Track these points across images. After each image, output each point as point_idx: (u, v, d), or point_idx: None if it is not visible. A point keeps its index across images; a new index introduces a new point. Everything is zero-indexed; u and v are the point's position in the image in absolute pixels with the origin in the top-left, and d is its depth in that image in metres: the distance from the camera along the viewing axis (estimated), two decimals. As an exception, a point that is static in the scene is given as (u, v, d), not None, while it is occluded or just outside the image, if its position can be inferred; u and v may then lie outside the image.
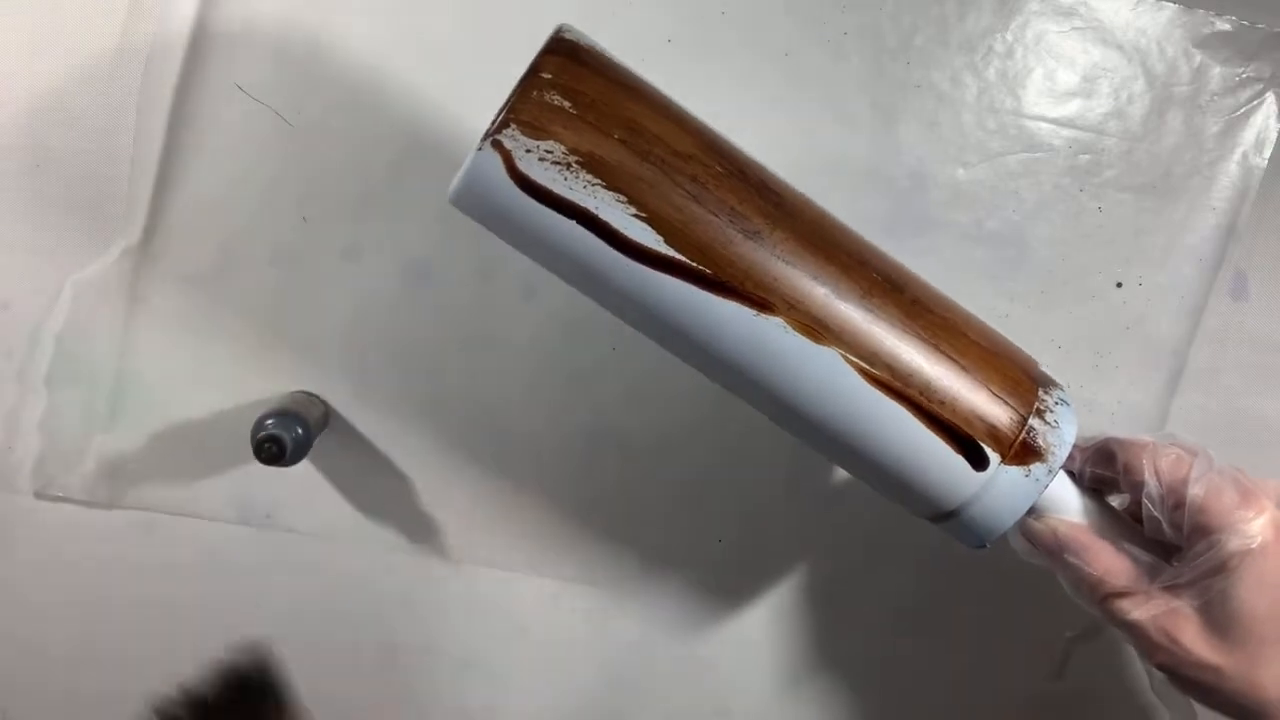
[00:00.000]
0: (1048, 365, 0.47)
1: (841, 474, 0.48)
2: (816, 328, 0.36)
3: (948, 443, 0.36)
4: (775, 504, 0.49)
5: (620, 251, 0.35)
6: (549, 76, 0.34)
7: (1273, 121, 0.47)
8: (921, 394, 0.36)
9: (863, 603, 0.50)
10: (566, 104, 0.34)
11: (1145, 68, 0.47)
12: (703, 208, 0.35)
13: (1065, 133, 0.47)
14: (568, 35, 0.36)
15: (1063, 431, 0.38)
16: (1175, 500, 0.37)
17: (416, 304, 0.47)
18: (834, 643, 0.50)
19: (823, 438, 0.38)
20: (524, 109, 0.34)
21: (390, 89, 0.45)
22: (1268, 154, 0.47)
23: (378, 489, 0.48)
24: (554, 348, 0.47)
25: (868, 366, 0.36)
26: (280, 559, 0.49)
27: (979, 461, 0.37)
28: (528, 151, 0.34)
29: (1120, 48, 0.47)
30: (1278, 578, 0.36)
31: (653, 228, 0.35)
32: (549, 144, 0.34)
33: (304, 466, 0.47)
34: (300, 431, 0.43)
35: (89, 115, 0.45)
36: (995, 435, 0.37)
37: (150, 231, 0.46)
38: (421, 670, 0.50)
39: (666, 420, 0.48)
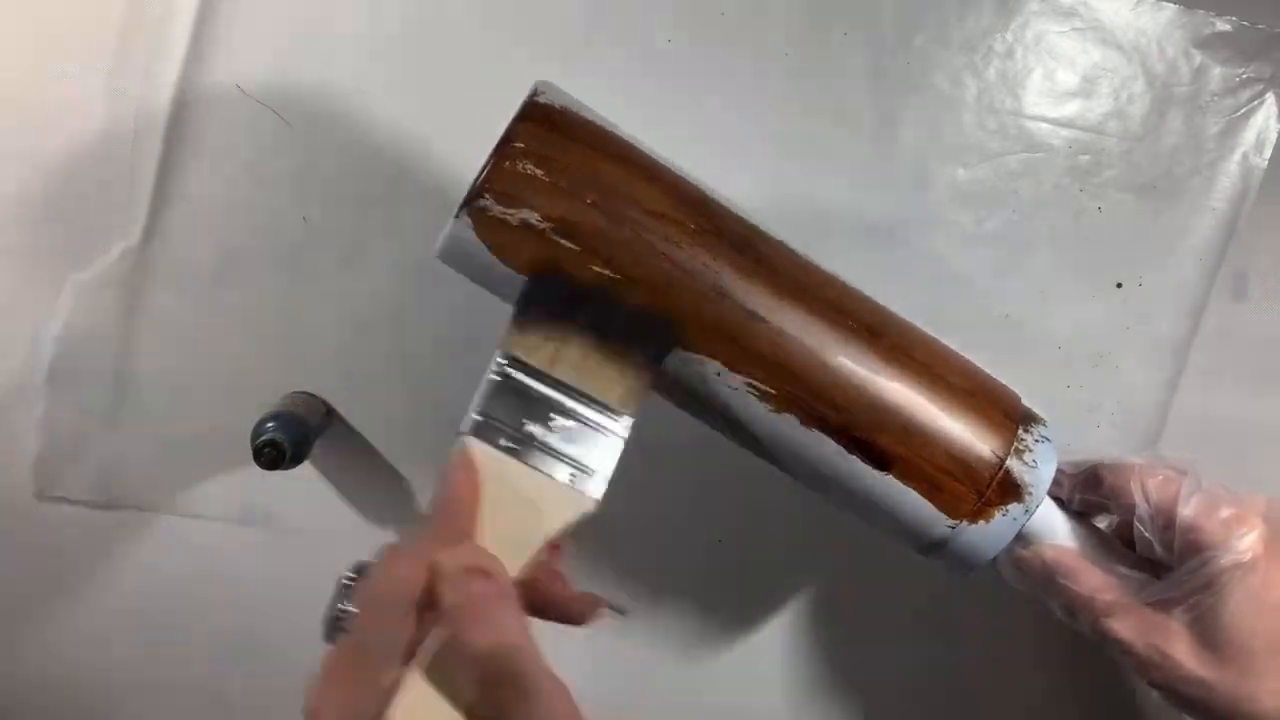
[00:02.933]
0: (1047, 365, 0.47)
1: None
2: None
3: (921, 490, 0.37)
4: (775, 505, 0.49)
5: None
6: (521, 145, 0.35)
7: (1273, 121, 0.47)
8: (898, 442, 0.37)
9: (862, 604, 0.50)
10: (539, 172, 0.34)
11: (1145, 68, 0.47)
12: (676, 267, 0.35)
13: (1065, 133, 0.47)
14: (541, 99, 0.36)
15: (1040, 471, 0.38)
16: (1165, 520, 0.38)
17: (416, 304, 0.47)
18: (834, 644, 0.50)
19: (798, 479, 0.39)
20: (497, 179, 0.34)
21: (391, 89, 0.45)
22: (1268, 154, 0.47)
23: (378, 489, 0.48)
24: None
25: (836, 417, 0.37)
26: (280, 559, 0.49)
27: (953, 507, 0.37)
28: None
29: (1120, 48, 0.47)
30: (1267, 592, 0.36)
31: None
32: (523, 212, 0.34)
33: (304, 467, 0.47)
34: (300, 434, 0.43)
35: (89, 116, 0.45)
36: (972, 478, 0.37)
37: (150, 232, 0.46)
38: (421, 670, 0.50)
39: (666, 421, 0.48)
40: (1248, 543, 0.36)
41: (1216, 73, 0.47)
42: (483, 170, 0.35)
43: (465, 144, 0.46)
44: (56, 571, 0.49)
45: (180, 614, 0.49)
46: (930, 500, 0.37)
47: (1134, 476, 0.39)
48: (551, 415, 0.33)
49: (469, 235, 0.35)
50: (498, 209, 0.34)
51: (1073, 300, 0.48)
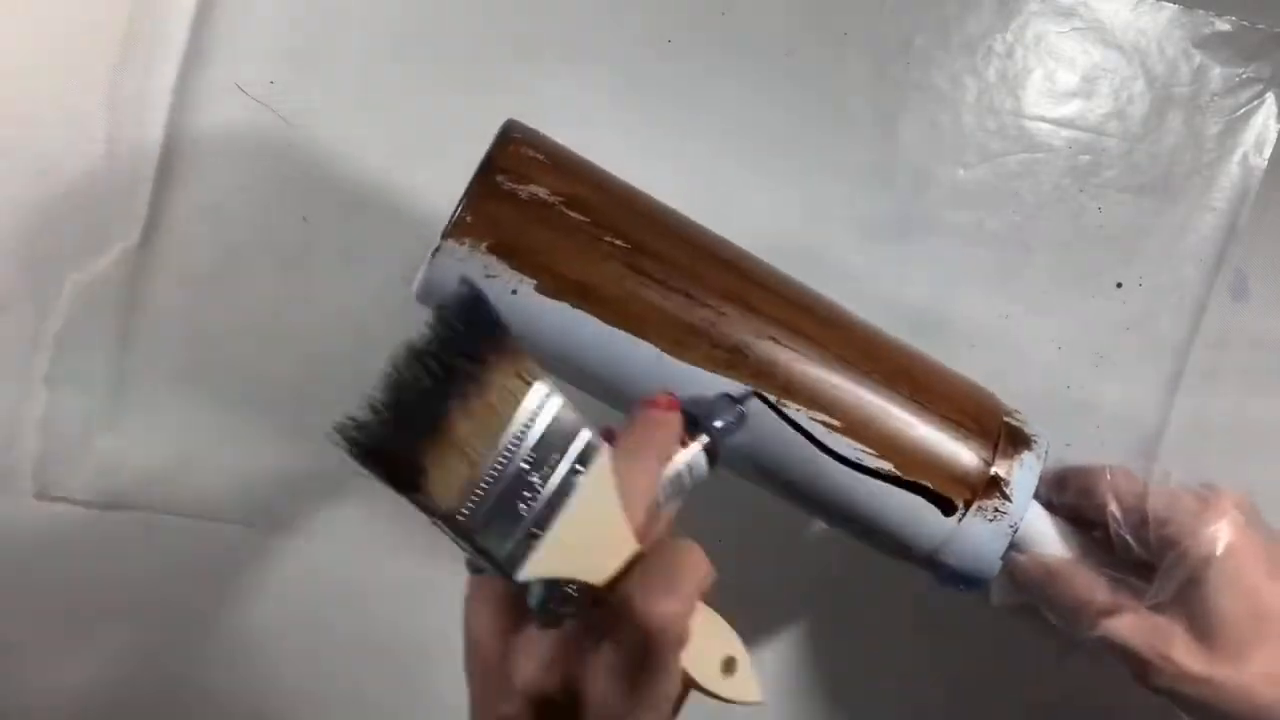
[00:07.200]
0: (1047, 365, 0.47)
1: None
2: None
3: (915, 493, 0.38)
4: (774, 504, 0.49)
5: None
6: (519, 136, 0.36)
7: (1273, 121, 0.47)
8: (886, 448, 0.37)
9: (860, 603, 0.50)
10: (541, 156, 0.36)
11: (1145, 68, 0.47)
12: (684, 248, 0.37)
13: (1065, 133, 0.47)
14: (517, 123, 0.37)
15: (1039, 439, 0.39)
16: (1139, 517, 0.38)
17: (416, 304, 0.47)
18: (831, 643, 0.50)
19: (806, 506, 0.41)
20: (503, 158, 0.35)
21: (390, 88, 0.45)
22: (1268, 154, 0.47)
23: (378, 489, 0.48)
24: (554, 348, 0.47)
25: (828, 420, 0.37)
26: (280, 559, 0.49)
27: (948, 507, 0.38)
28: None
29: (1120, 48, 0.47)
30: (1246, 578, 0.36)
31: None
32: (532, 187, 0.35)
33: (305, 468, 0.47)
34: None
35: (89, 115, 0.45)
36: (964, 479, 0.38)
37: (150, 232, 0.46)
38: (422, 670, 0.50)
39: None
40: (1221, 530, 0.36)
41: (1216, 73, 0.47)
42: (485, 158, 0.35)
43: (464, 143, 0.46)
44: (56, 571, 0.49)
45: (180, 614, 0.49)
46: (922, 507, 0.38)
47: (1101, 477, 0.39)
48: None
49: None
50: (509, 184, 0.35)
51: (1073, 300, 0.48)
